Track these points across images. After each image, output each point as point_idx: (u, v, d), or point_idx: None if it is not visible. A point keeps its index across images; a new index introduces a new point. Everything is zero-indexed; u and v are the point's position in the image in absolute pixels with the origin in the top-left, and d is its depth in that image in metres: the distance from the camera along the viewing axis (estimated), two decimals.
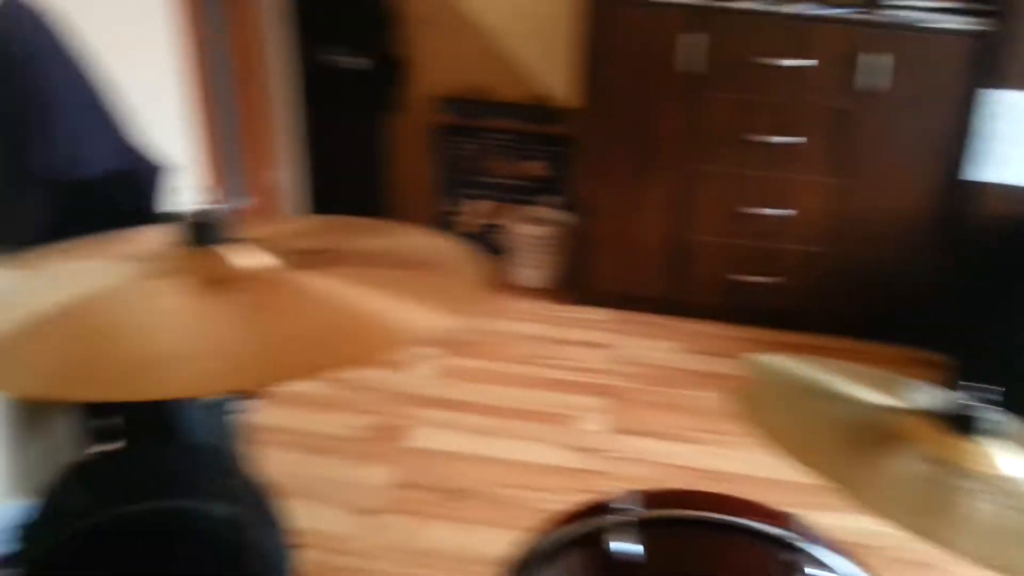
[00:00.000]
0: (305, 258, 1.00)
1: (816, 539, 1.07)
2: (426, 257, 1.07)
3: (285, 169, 3.32)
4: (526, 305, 3.21)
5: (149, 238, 1.13)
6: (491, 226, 3.47)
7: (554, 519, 1.17)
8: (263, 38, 3.08)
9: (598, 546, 1.05)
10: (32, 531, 1.22)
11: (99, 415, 1.84)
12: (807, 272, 3.05)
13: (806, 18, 2.75)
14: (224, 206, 0.97)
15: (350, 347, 0.81)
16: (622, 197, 3.02)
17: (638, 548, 1.03)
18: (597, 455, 2.35)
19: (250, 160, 3.07)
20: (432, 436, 2.37)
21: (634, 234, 3.06)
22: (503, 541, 2.06)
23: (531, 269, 3.34)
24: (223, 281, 0.93)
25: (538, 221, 3.37)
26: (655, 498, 1.15)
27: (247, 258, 0.98)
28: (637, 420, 2.53)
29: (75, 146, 1.56)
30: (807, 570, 1.00)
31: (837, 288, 3.06)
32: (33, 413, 1.86)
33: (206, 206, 0.96)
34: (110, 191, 1.65)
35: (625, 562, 1.02)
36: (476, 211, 3.46)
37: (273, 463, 1.41)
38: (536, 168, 3.37)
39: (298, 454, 2.22)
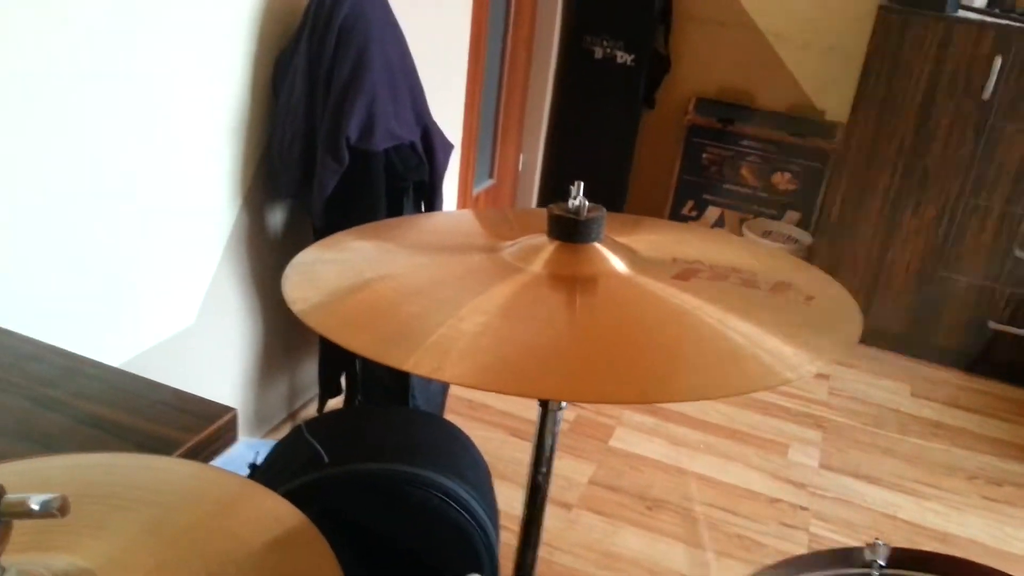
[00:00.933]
0: (657, 265, 0.93)
1: None
2: (783, 275, 0.96)
3: (532, 153, 3.43)
4: None
5: (464, 222, 1.11)
6: None
7: (807, 557, 1.14)
8: (537, 26, 3.19)
9: None
10: (262, 474, 1.37)
11: (337, 368, 2.03)
12: None
13: None
14: (597, 207, 0.92)
15: (726, 378, 0.71)
16: (877, 222, 2.85)
17: None
18: (803, 489, 2.26)
19: (503, 142, 3.20)
20: (638, 440, 2.39)
21: (883, 262, 2.88)
22: (691, 560, 2.08)
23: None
24: (574, 280, 0.86)
25: (775, 236, 3.25)
26: (905, 556, 1.09)
27: (603, 259, 0.91)
28: (851, 460, 2.40)
29: (386, 117, 1.69)
30: None
31: None
32: (277, 357, 2.08)
33: (577, 202, 0.91)
34: (405, 163, 1.79)
35: None
36: (711, 218, 3.40)
37: (478, 440, 1.48)
38: (784, 181, 3.25)
39: (503, 434, 2.33)
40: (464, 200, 2.90)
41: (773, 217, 3.29)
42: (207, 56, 1.52)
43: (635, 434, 2.41)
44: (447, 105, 2.51)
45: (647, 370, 0.71)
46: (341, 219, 1.80)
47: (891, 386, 2.81)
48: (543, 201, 3.55)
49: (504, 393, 0.68)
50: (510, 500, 2.06)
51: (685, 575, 1.92)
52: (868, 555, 1.06)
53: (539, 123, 3.39)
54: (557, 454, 2.32)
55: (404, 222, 1.08)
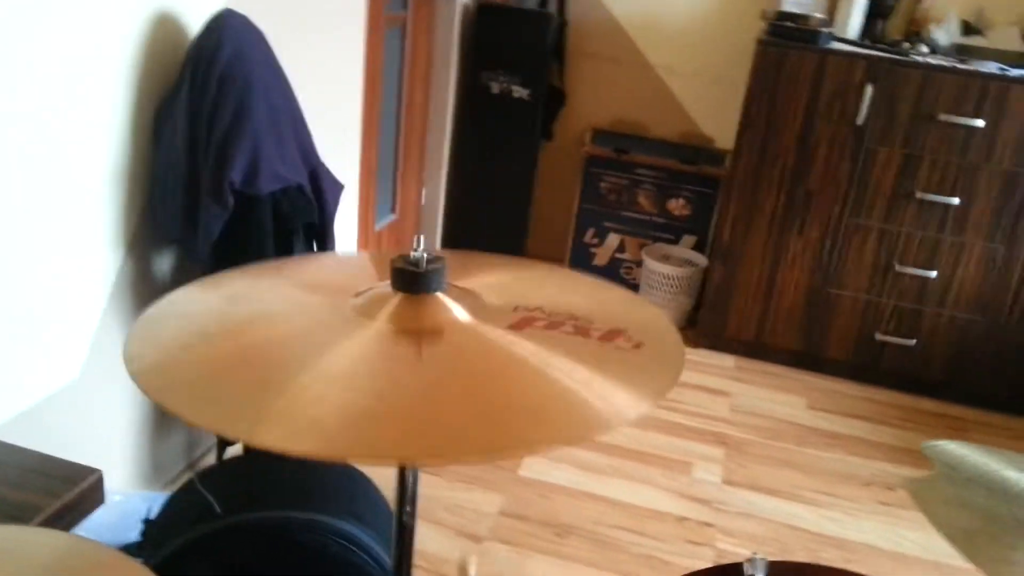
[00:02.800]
0: (498, 313, 0.93)
1: None
2: (617, 321, 0.97)
3: (435, 187, 3.46)
4: None
5: (332, 266, 1.12)
6: (623, 261, 3.48)
7: None
8: (433, 62, 3.23)
9: None
10: (156, 528, 1.33)
11: None
12: (953, 338, 2.90)
13: (985, 76, 2.63)
14: (436, 255, 0.92)
15: (561, 427, 0.71)
16: (765, 243, 2.97)
17: None
18: (708, 506, 2.32)
19: (404, 177, 3.21)
20: (544, 468, 2.41)
21: (773, 281, 3.00)
22: None
23: (659, 309, 3.33)
24: (419, 332, 0.85)
25: (673, 260, 3.35)
26: (783, 568, 1.13)
27: (446, 309, 0.91)
28: (753, 474, 2.48)
29: (270, 160, 1.68)
30: None
31: (985, 359, 2.89)
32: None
33: (418, 253, 0.91)
34: (293, 205, 1.78)
35: None
36: (612, 245, 3.48)
37: (380, 479, 1.48)
38: (679, 207, 3.36)
39: None
40: (365, 237, 2.89)
41: (670, 242, 3.40)
42: (85, 102, 1.49)
43: (543, 462, 2.43)
44: (342, 143, 2.51)
45: (492, 426, 0.72)
46: (229, 264, 1.77)
47: (789, 400, 2.92)
48: (447, 234, 3.57)
49: (358, 462, 0.68)
50: (421, 537, 2.05)
51: None
52: (747, 570, 1.10)
53: (440, 157, 3.42)
54: (467, 486, 2.33)
55: (272, 266, 1.08)
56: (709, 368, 3.07)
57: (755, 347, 3.12)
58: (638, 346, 0.88)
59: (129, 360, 0.76)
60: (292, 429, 0.67)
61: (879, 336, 2.96)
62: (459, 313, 0.90)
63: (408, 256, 0.91)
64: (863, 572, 2.13)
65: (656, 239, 3.42)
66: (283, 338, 0.82)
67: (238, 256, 1.76)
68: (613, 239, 3.47)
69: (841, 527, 2.29)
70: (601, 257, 3.51)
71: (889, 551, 2.21)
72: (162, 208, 1.69)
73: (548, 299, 0.99)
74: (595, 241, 3.50)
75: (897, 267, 2.87)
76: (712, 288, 3.09)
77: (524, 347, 0.85)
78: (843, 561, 2.13)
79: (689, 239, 3.38)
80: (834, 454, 2.63)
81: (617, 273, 3.52)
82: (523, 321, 0.89)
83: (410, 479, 0.96)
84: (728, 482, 2.44)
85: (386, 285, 0.92)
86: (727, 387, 2.96)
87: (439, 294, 0.91)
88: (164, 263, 1.83)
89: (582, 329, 0.90)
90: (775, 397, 2.93)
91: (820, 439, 2.70)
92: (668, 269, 3.23)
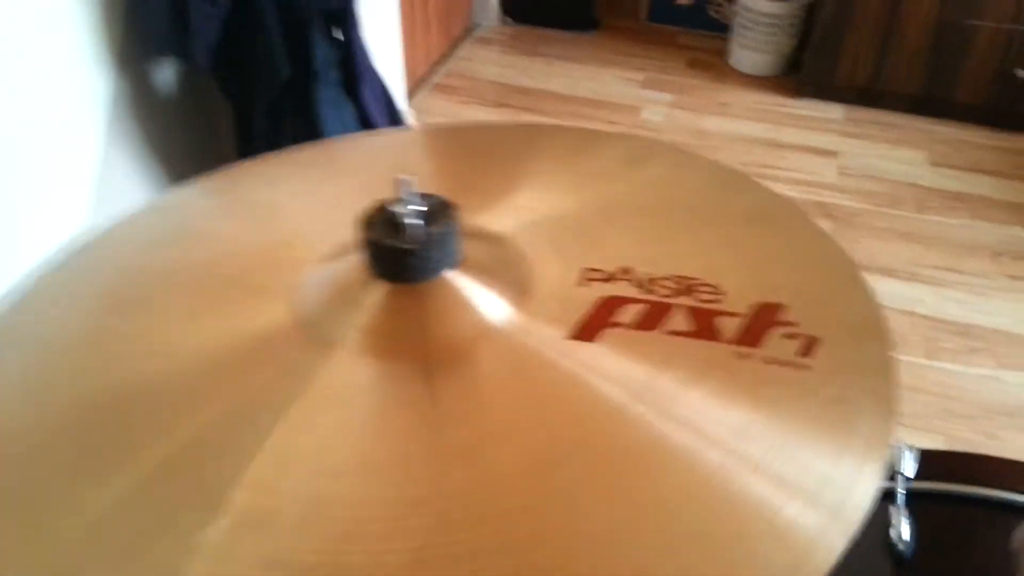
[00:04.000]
0: (570, 300, 0.53)
1: None
2: (767, 285, 0.56)
3: None
4: (744, 97, 2.79)
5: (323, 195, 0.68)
6: None
7: None
8: None
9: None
10: None
11: None
12: None
13: None
14: (444, 210, 0.52)
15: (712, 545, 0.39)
16: None
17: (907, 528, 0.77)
18: None
19: None
20: None
21: (896, 14, 2.49)
22: None
23: (755, 52, 2.86)
24: (445, 363, 0.49)
25: None
26: (935, 463, 0.88)
27: (464, 306, 0.52)
28: (866, 252, 2.18)
29: None
30: None
31: None
32: None
33: (410, 216, 0.50)
34: None
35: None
36: None
37: None
38: None
39: None
40: (411, 10, 2.48)
41: None
42: None
43: None
44: None
45: (561, 552, 0.40)
46: (236, 73, 1.48)
47: (907, 156, 2.53)
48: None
49: None
50: None
51: None
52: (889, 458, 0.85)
53: None
54: None
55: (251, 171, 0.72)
56: (814, 123, 2.67)
57: (870, 93, 2.68)
58: (807, 350, 0.50)
59: None
60: None
61: (1022, 72, 2.47)
62: (486, 310, 0.51)
63: (393, 216, 0.50)
64: (989, 362, 1.90)
65: None
66: (207, 391, 0.48)
67: (245, 63, 1.46)
68: None
69: (966, 309, 2.02)
70: None
71: (1022, 335, 1.95)
72: (146, 12, 1.38)
73: (640, 240, 0.60)
74: None
75: None
76: (820, 25, 2.59)
77: (607, 374, 0.47)
78: (967, 350, 1.89)
79: None
80: (959, 219, 2.29)
81: (704, 13, 3.03)
82: (603, 310, 0.52)
83: None
84: None
85: (356, 258, 0.53)
86: (835, 145, 2.57)
87: (449, 276, 0.52)
88: (164, 80, 1.54)
89: (703, 317, 0.52)
90: (891, 154, 2.54)
91: (943, 202, 2.36)
92: (766, 4, 2.73)
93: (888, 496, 0.80)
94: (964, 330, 1.96)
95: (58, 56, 1.28)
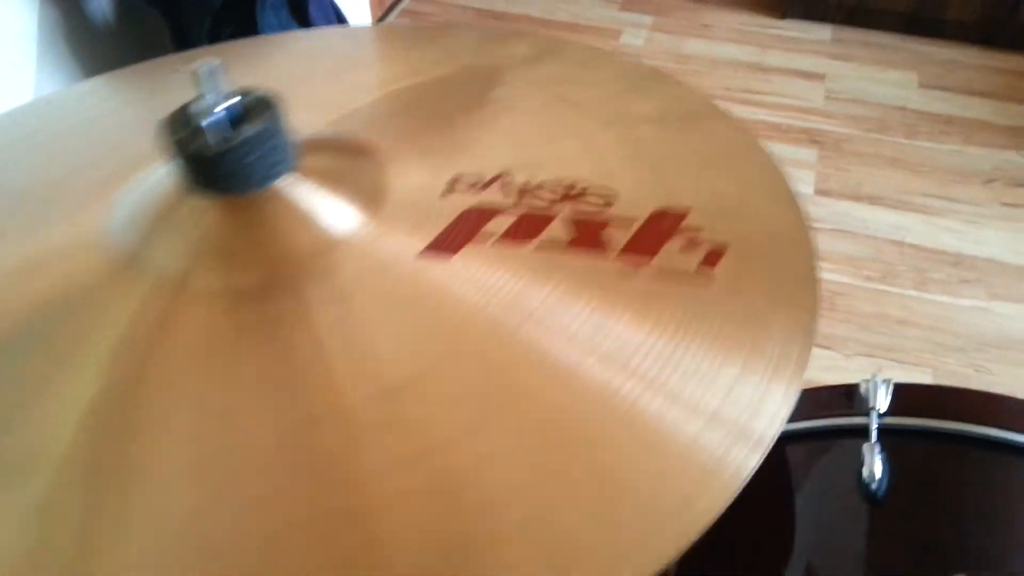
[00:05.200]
0: (420, 201, 0.47)
1: None
2: (669, 189, 0.49)
3: None
4: (727, 18, 2.65)
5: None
6: None
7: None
8: None
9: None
10: None
11: None
12: None
13: None
14: (259, 100, 0.43)
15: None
16: None
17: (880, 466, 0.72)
18: None
19: None
20: None
21: None
22: None
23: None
24: (289, 295, 0.42)
25: None
26: (910, 398, 0.82)
27: (301, 219, 0.44)
28: (853, 180, 2.09)
29: None
30: None
31: None
32: None
33: (212, 108, 0.42)
34: None
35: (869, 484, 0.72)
36: None
37: None
38: None
39: None
40: None
41: None
42: None
43: None
44: None
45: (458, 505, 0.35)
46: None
47: (897, 78, 2.42)
48: None
49: None
50: None
51: None
52: (863, 393, 0.79)
53: None
54: None
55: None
56: (800, 44, 2.54)
57: (858, 12, 2.55)
58: (712, 259, 0.44)
59: None
60: None
61: None
62: (334, 218, 0.44)
63: (189, 111, 0.42)
64: (981, 294, 1.84)
65: None
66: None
67: None
68: None
69: (958, 238, 1.94)
70: None
71: (1015, 266, 1.87)
72: None
73: (519, 141, 0.52)
74: None
75: None
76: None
77: (472, 288, 0.41)
78: (959, 281, 1.82)
79: None
80: (950, 144, 2.20)
81: None
82: (470, 220, 0.45)
83: None
84: (822, 192, 2.07)
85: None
86: (822, 67, 2.45)
87: (283, 184, 0.44)
88: (98, 6, 1.39)
89: (588, 227, 0.45)
90: (881, 76, 2.43)
91: (933, 126, 2.26)
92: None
93: (861, 433, 0.75)
94: (955, 260, 1.89)
95: None
